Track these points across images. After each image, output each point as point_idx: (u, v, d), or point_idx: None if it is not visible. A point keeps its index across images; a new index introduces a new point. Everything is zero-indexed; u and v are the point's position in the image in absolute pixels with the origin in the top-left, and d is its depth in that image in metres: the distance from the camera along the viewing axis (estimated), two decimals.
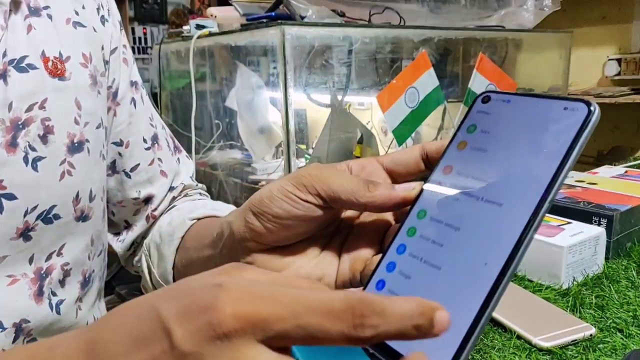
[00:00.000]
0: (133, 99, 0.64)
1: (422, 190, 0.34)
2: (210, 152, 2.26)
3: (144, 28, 4.04)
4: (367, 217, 0.40)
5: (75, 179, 0.54)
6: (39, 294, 0.53)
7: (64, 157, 0.53)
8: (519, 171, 0.30)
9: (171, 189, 0.68)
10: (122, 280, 2.36)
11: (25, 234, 0.51)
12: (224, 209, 0.62)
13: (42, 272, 0.53)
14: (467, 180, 0.32)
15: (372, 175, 0.38)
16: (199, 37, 1.67)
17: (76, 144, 0.54)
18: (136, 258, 0.69)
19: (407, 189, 0.34)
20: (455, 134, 0.35)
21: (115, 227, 0.69)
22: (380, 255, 0.34)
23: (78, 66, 0.55)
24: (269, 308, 0.23)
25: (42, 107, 0.51)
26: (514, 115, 0.33)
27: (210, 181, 2.13)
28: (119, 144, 0.63)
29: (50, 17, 0.53)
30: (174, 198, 0.69)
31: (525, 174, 0.30)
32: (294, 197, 0.35)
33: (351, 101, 2.31)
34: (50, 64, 0.52)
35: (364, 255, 0.38)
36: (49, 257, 0.54)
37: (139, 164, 0.65)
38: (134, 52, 3.96)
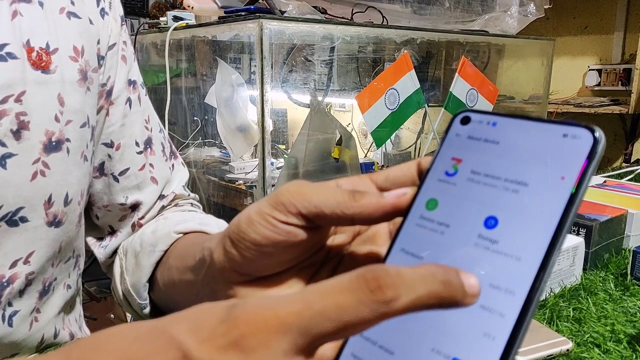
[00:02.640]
0: (129, 99, 0.59)
1: (402, 226, 0.30)
2: (188, 149, 2.22)
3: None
4: (359, 245, 0.35)
5: (49, 180, 0.50)
6: None
7: (38, 156, 0.48)
8: (514, 216, 0.26)
9: (161, 197, 0.63)
10: (91, 277, 2.29)
11: None
12: (213, 223, 0.57)
13: (4, 280, 0.49)
14: (455, 220, 0.28)
15: None
16: (175, 29, 1.62)
17: (54, 143, 0.49)
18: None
19: (398, 195, 0.30)
20: (433, 162, 0.30)
21: (99, 232, 0.64)
22: None
23: (66, 59, 0.51)
24: (282, 309, 0.22)
25: (18, 100, 0.46)
26: (503, 142, 0.28)
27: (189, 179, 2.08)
28: (110, 145, 0.59)
29: (41, 4, 0.49)
30: (163, 207, 0.64)
31: (523, 219, 0.26)
32: (272, 220, 0.31)
33: (332, 102, 2.29)
34: (34, 54, 0.48)
35: None
36: (13, 265, 0.49)
37: (128, 168, 0.60)
38: None
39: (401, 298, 0.21)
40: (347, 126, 2.20)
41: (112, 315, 2.26)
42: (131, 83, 0.60)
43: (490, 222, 0.27)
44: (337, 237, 0.35)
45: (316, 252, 0.35)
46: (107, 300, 2.32)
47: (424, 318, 0.25)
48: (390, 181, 0.33)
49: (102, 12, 0.56)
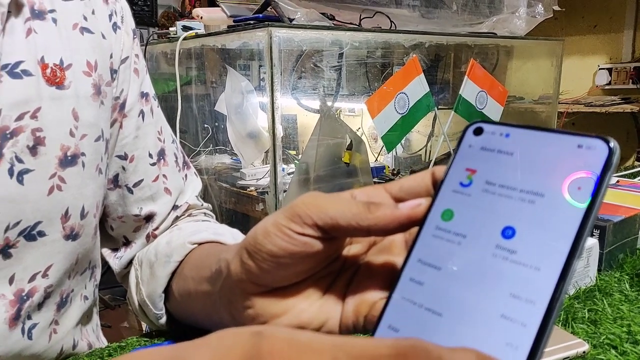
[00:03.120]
0: (142, 112, 0.60)
1: (418, 236, 0.30)
2: (199, 156, 2.23)
3: None
4: (375, 255, 0.36)
5: (66, 194, 0.50)
6: (16, 317, 0.49)
7: (55, 171, 0.49)
8: (532, 226, 0.26)
9: (175, 207, 0.64)
10: (105, 285, 2.31)
11: (4, 250, 0.47)
12: (227, 233, 0.57)
13: (24, 294, 0.49)
14: (471, 230, 0.28)
15: None
16: (185, 39, 1.64)
17: (69, 157, 0.50)
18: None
19: (413, 206, 0.30)
20: (447, 173, 0.31)
21: (114, 243, 0.65)
22: (385, 299, 0.29)
23: (80, 74, 0.51)
24: (309, 358, 0.21)
25: (34, 117, 0.47)
26: (517, 153, 0.28)
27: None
28: (123, 157, 0.59)
29: (55, 21, 0.50)
30: (177, 217, 0.64)
31: (541, 230, 0.26)
32: (289, 231, 0.31)
33: (342, 107, 2.30)
34: (48, 71, 0.48)
35: (370, 297, 0.33)
36: (32, 279, 0.50)
37: (142, 180, 0.61)
38: None
39: None
40: (357, 130, 2.20)
41: (126, 324, 2.28)
42: (144, 95, 0.61)
43: (508, 233, 0.27)
44: (353, 247, 0.36)
45: (332, 262, 0.35)
46: (121, 307, 2.33)
47: (445, 327, 0.26)
48: (405, 191, 0.33)
49: (115, 27, 0.56)
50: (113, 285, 2.26)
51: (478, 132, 0.30)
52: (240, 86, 1.90)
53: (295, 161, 2.05)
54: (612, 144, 0.26)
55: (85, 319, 0.62)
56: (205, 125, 2.27)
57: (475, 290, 0.26)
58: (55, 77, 0.49)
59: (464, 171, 0.30)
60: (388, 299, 0.29)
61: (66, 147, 0.50)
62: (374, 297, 0.33)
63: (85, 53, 0.52)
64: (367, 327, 0.33)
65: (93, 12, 0.54)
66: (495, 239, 0.27)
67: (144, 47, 1.95)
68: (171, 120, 1.95)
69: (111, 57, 0.56)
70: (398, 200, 0.33)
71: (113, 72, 0.56)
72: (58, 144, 0.49)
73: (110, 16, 0.56)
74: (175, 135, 1.91)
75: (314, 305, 0.34)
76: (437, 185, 0.31)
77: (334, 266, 0.36)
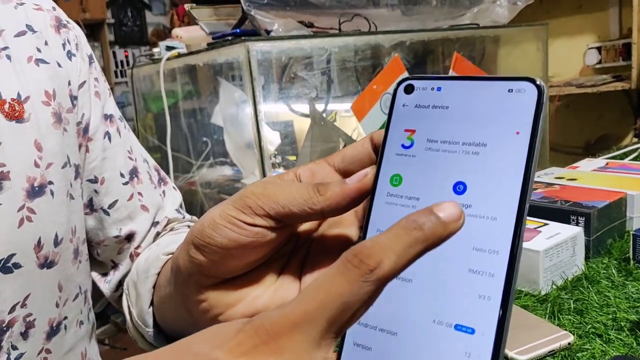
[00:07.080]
0: (107, 133, 0.61)
1: (371, 207, 0.30)
2: (201, 170, 2.25)
3: (125, 51, 4.00)
4: (327, 230, 0.35)
5: (37, 224, 0.51)
6: None
7: (23, 203, 0.50)
8: (480, 178, 0.27)
9: (155, 224, 0.64)
10: (117, 309, 2.32)
11: None
12: None
13: (4, 325, 0.50)
14: (423, 192, 0.28)
15: (325, 180, 0.33)
16: (168, 59, 1.65)
17: (37, 188, 0.51)
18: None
19: (360, 178, 0.30)
20: (386, 137, 0.30)
21: (103, 267, 0.65)
22: None
23: (39, 105, 0.52)
24: (289, 313, 0.23)
25: None
26: (452, 106, 0.28)
27: (202, 200, 2.11)
28: (94, 180, 0.60)
29: (9, 57, 0.51)
30: (158, 233, 0.64)
31: (490, 179, 0.26)
32: (239, 222, 0.31)
33: (337, 109, 2.29)
34: (7, 106, 0.49)
35: None
36: (12, 310, 0.50)
37: (117, 200, 0.61)
38: (116, 76, 3.93)
39: (384, 261, 0.22)
40: (354, 131, 2.20)
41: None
42: (108, 117, 0.62)
43: (459, 188, 0.27)
44: (303, 226, 0.36)
45: (285, 245, 0.35)
46: None
47: (418, 292, 0.26)
48: (347, 161, 0.33)
49: (69, 54, 0.57)
50: None
51: (409, 89, 0.30)
52: (234, 97, 1.91)
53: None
54: (539, 82, 0.26)
55: (81, 344, 0.63)
56: (204, 139, 2.28)
57: (439, 250, 0.26)
58: (14, 112, 0.50)
59: (403, 132, 0.30)
60: None
61: (32, 178, 0.51)
62: None
63: (42, 83, 0.53)
64: None
65: (46, 43, 0.55)
66: (449, 196, 0.27)
67: (130, 69, 1.96)
68: (163, 139, 1.97)
69: (69, 84, 0.56)
70: (342, 171, 0.33)
71: (73, 98, 0.57)
72: (24, 176, 0.50)
73: (64, 45, 0.57)
74: (167, 152, 1.91)
75: (268, 290, 0.35)
76: (377, 149, 0.31)
77: (286, 248, 0.36)
